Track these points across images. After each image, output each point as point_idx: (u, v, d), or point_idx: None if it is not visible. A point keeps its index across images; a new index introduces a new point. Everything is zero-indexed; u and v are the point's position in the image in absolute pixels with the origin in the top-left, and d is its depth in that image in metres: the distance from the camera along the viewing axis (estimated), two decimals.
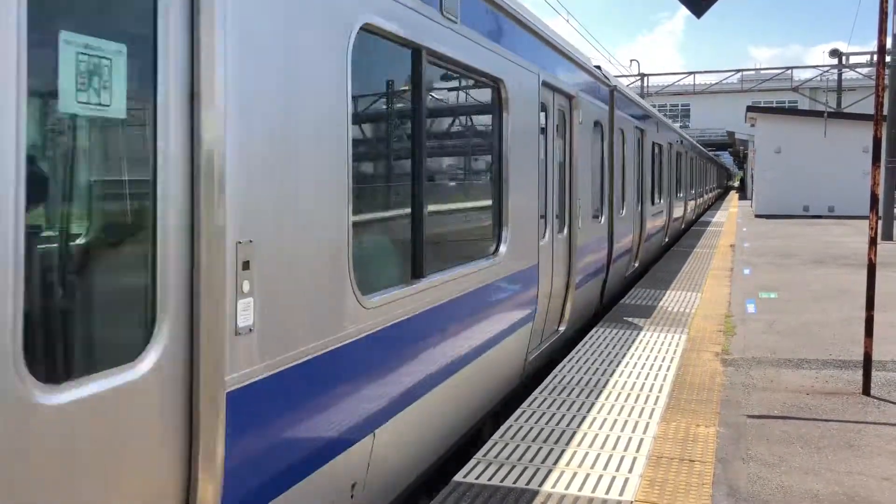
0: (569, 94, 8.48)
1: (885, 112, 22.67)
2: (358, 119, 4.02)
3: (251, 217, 3.06)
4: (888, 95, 22.70)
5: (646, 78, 54.05)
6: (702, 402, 6.38)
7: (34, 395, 2.21)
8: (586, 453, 5.20)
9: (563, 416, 5.97)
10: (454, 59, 5.00)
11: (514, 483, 4.68)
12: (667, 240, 19.34)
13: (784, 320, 10.02)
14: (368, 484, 4.07)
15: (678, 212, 22.45)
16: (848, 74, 43.60)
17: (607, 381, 6.96)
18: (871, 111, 7.23)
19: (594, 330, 9.18)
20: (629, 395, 6.55)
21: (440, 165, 5.46)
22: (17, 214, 2.16)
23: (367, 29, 3.92)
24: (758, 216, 33.45)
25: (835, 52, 39.25)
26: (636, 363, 7.62)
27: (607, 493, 4.58)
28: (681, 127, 46.90)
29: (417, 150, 4.61)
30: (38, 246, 2.35)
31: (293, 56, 3.33)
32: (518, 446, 5.29)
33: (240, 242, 2.99)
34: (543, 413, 6.02)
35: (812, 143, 32.65)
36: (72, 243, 2.52)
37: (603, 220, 10.54)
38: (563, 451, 5.21)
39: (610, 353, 8.04)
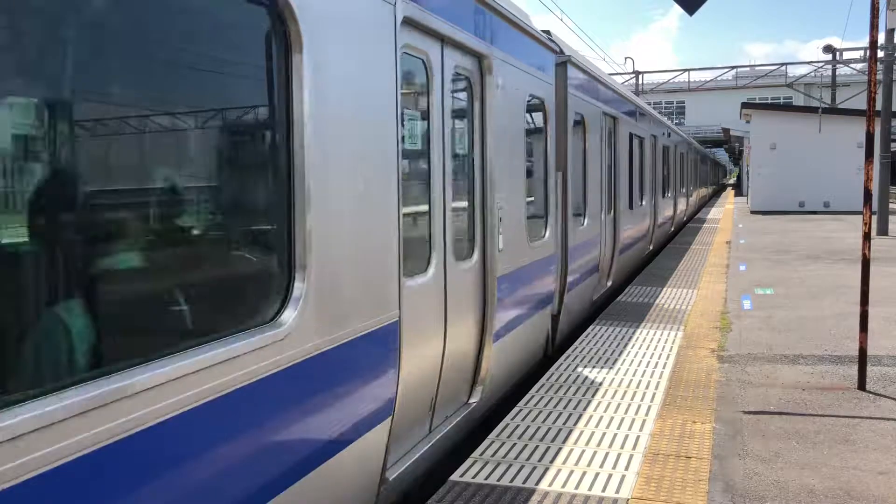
0: None
1: (879, 107, 22.74)
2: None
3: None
4: (881, 90, 22.76)
5: (640, 76, 54.12)
6: (698, 399, 6.39)
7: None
8: (583, 451, 5.21)
9: (560, 413, 5.98)
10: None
11: (511, 482, 4.69)
12: (609, 283, 12.03)
13: (780, 316, 10.04)
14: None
15: (640, 227, 15.37)
16: (842, 70, 43.74)
17: (603, 378, 6.97)
18: (865, 106, 7.25)
19: (590, 328, 9.20)
20: (625, 392, 6.56)
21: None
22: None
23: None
24: (753, 212, 33.50)
25: (828, 48, 39.30)
26: (632, 360, 7.63)
27: (604, 490, 4.59)
28: (676, 124, 46.48)
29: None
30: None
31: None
32: (515, 445, 5.30)
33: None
34: (540, 411, 6.03)
35: (807, 139, 32.70)
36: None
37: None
38: (559, 449, 5.23)
39: (606, 350, 8.06)
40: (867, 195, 6.82)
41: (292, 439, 3.43)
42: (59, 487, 2.28)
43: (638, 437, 5.47)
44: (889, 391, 6.67)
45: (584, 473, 4.83)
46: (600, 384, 6.79)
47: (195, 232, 3.22)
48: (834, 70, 42.63)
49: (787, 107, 43.47)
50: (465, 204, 5.80)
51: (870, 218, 6.85)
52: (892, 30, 21.92)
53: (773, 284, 12.72)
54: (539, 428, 5.65)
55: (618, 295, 11.80)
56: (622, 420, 5.84)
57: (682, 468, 4.93)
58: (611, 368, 7.32)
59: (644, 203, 15.49)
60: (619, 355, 7.85)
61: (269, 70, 3.35)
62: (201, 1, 3.07)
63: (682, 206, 26.15)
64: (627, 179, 13.14)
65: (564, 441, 5.39)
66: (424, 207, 5.04)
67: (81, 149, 2.63)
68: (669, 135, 21.43)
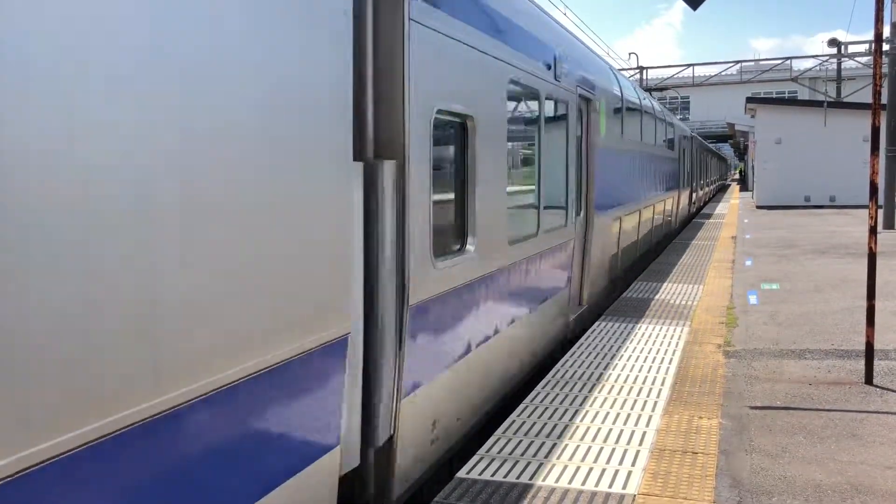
0: None
1: (884, 101, 22.64)
2: None
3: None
4: (887, 84, 22.65)
5: (645, 71, 53.98)
6: (704, 394, 6.38)
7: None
8: (589, 447, 5.21)
9: (566, 410, 5.98)
10: None
11: (518, 478, 4.69)
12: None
13: (786, 311, 10.02)
14: None
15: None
16: (847, 63, 43.45)
17: (609, 374, 6.97)
18: (871, 100, 7.23)
19: (596, 324, 9.19)
20: (631, 388, 6.56)
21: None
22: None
23: None
24: (759, 207, 33.42)
25: (833, 42, 39.12)
26: (638, 356, 7.63)
27: (611, 486, 4.59)
28: (681, 119, 46.34)
29: None
30: None
31: None
32: (521, 441, 5.30)
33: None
34: (546, 408, 6.03)
35: (812, 133, 32.62)
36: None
37: None
38: (566, 446, 5.23)
39: (612, 346, 8.05)
40: (873, 189, 6.80)
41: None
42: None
43: (644, 433, 5.47)
44: None
45: (591, 469, 4.83)
46: (606, 380, 6.78)
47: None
48: (839, 64, 42.38)
49: (792, 101, 43.31)
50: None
51: (876, 212, 6.83)
52: None
53: (779, 279, 12.70)
54: (545, 424, 5.65)
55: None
56: (628, 416, 5.84)
57: (688, 464, 4.93)
58: (616, 364, 7.31)
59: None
60: (625, 351, 7.84)
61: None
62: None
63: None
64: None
65: (571, 437, 5.39)
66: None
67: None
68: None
